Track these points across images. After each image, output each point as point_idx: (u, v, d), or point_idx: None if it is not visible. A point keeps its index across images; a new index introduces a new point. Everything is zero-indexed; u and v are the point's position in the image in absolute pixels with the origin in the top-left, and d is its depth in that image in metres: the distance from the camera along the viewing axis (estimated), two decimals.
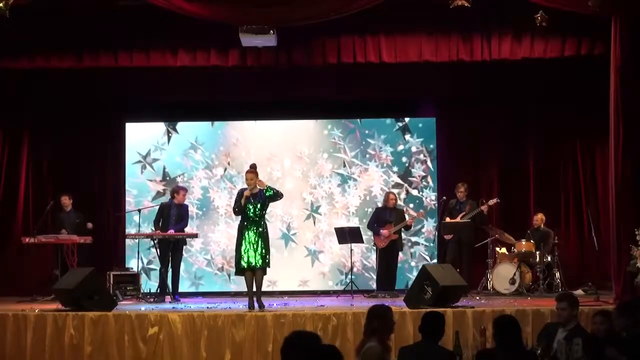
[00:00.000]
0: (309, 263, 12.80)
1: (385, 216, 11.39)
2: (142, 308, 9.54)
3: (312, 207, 12.84)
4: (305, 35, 10.48)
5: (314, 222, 12.83)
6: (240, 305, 9.69)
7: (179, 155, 12.90)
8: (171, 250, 10.98)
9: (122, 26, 10.40)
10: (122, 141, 12.74)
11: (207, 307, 9.65)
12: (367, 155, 12.85)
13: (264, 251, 9.16)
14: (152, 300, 10.69)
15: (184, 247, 11.42)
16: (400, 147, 12.79)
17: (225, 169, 12.90)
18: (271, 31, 9.89)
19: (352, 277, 11.59)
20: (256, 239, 9.14)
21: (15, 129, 12.34)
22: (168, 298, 10.77)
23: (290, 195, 12.29)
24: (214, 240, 12.79)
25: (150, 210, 11.66)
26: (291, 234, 12.82)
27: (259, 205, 9.21)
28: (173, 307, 9.76)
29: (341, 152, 12.88)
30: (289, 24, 10.00)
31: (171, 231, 10.93)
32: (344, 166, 12.86)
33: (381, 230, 11.23)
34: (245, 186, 9.42)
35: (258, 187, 9.27)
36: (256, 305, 9.14)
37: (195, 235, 11.46)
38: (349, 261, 11.77)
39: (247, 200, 9.20)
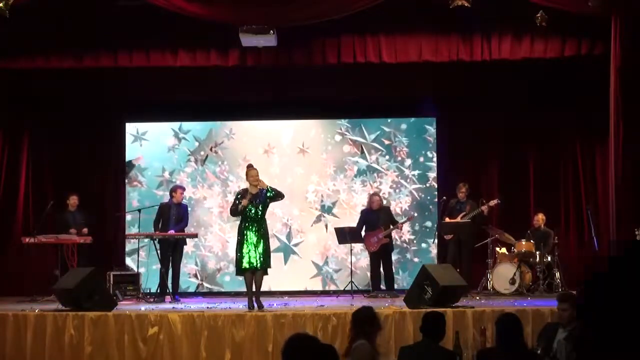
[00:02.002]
0: (319, 284, 12.19)
1: (373, 219, 11.29)
2: (142, 308, 9.54)
3: (322, 207, 12.38)
4: (305, 35, 10.48)
5: (326, 228, 12.24)
6: (240, 305, 9.69)
7: (153, 145, 12.67)
8: (171, 251, 10.98)
9: (122, 26, 10.41)
10: (121, 141, 12.74)
11: (207, 307, 9.64)
12: (384, 144, 12.58)
13: (264, 252, 9.15)
14: (152, 300, 10.69)
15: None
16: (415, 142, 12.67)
17: (207, 156, 12.54)
18: (271, 31, 9.89)
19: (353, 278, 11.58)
20: (257, 240, 9.11)
21: (15, 129, 12.34)
22: (168, 298, 10.77)
23: (291, 192, 11.92)
24: (204, 245, 12.44)
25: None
26: (293, 244, 12.38)
27: (260, 206, 9.19)
28: (173, 307, 9.75)
29: (355, 137, 12.53)
30: (289, 24, 10.00)
31: (171, 231, 10.94)
32: (362, 152, 12.50)
33: (374, 236, 11.18)
34: (246, 186, 9.39)
35: (259, 187, 9.24)
36: (256, 305, 9.14)
37: (194, 235, 11.46)
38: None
39: (248, 202, 9.16)
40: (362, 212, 11.62)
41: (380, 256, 11.26)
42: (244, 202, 9.11)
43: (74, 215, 11.51)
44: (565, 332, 6.21)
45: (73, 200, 11.56)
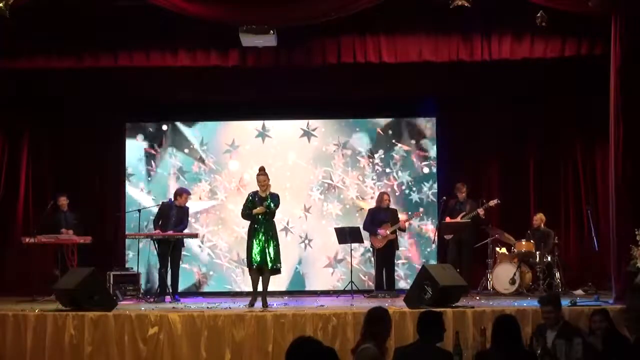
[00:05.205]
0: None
1: (381, 216, 11.33)
2: (142, 308, 9.54)
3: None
4: (305, 35, 10.47)
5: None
6: (241, 305, 9.70)
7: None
8: (170, 251, 10.96)
9: (122, 26, 10.39)
10: (121, 141, 12.73)
11: (207, 307, 9.64)
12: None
13: (273, 252, 9.40)
14: (152, 300, 10.69)
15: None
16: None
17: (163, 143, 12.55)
18: (271, 31, 9.89)
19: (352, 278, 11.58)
20: (266, 240, 9.41)
21: (15, 129, 12.35)
22: (168, 298, 10.77)
23: (291, 188, 11.86)
24: (192, 253, 12.28)
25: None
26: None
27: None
28: (173, 307, 9.75)
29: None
30: (289, 24, 10.00)
31: (171, 232, 10.92)
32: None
33: (379, 230, 11.19)
34: (256, 189, 9.56)
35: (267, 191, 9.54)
36: (258, 304, 9.19)
37: (195, 236, 11.45)
38: None
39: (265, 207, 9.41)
40: (370, 210, 11.64)
41: (385, 254, 11.25)
42: (259, 209, 9.47)
43: (66, 215, 11.50)
44: (555, 332, 6.26)
45: (63, 201, 11.55)
